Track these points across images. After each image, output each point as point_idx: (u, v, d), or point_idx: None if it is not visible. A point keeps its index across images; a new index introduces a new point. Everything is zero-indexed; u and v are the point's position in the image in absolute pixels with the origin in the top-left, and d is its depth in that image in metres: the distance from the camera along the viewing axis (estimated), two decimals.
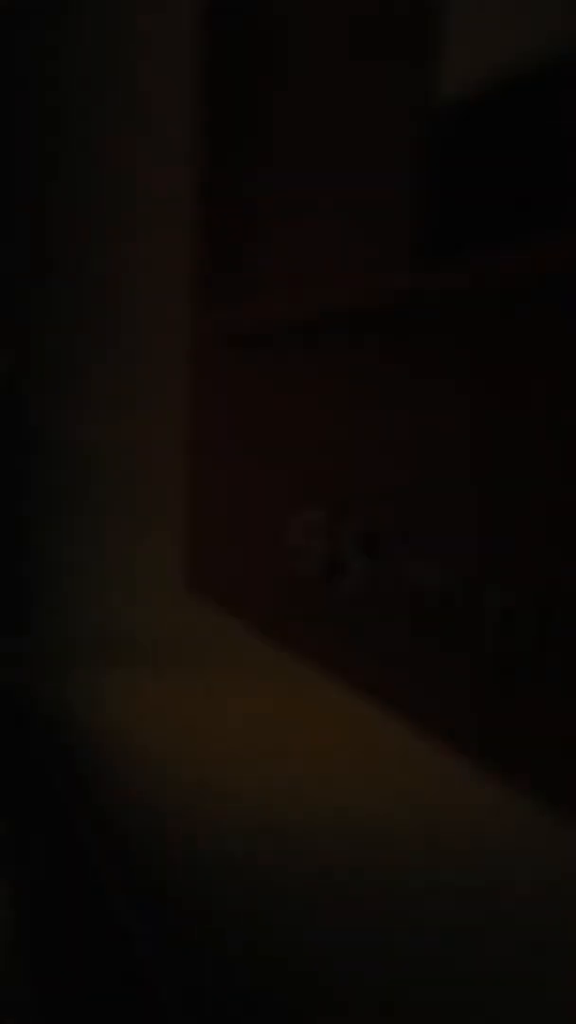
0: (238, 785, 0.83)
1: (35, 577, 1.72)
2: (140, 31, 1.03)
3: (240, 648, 0.82)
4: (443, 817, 0.54)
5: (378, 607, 0.58)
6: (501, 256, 0.43)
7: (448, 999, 0.53)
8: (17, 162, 1.71)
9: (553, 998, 0.46)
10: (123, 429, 1.16)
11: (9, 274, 1.80)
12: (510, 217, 0.48)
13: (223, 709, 0.86)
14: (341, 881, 0.65)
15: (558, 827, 0.45)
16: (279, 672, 0.74)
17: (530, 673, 0.46)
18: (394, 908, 0.59)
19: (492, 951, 0.50)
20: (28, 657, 1.78)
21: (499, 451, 0.48)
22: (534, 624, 0.45)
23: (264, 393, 0.73)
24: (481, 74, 0.51)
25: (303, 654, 0.68)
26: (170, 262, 0.97)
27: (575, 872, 0.44)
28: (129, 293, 1.11)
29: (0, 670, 1.98)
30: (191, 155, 0.89)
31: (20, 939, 1.14)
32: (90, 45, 1.24)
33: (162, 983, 1.02)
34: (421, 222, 0.54)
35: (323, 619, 0.65)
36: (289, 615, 0.70)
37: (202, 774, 0.91)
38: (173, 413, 0.98)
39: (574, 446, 0.43)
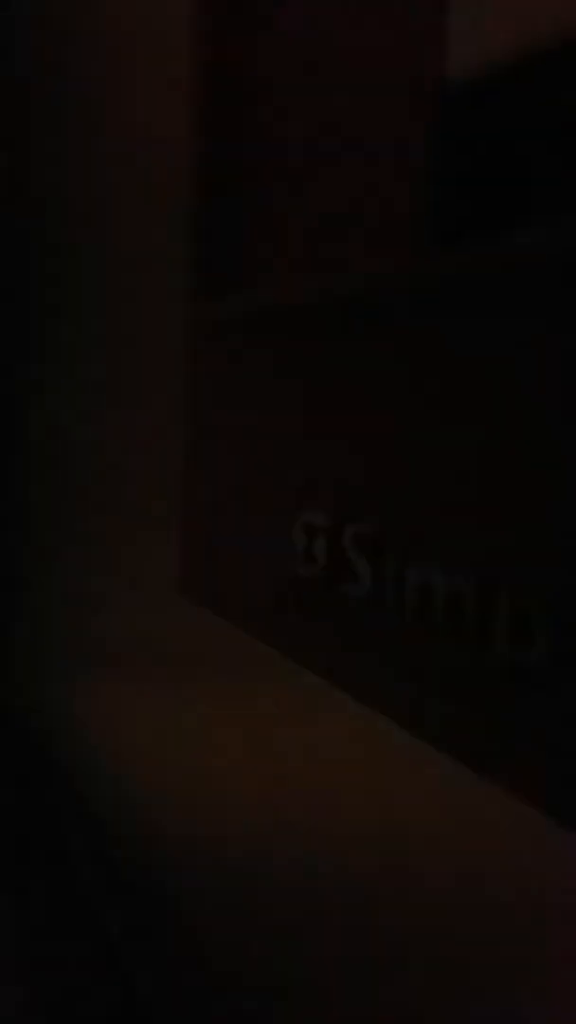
0: (236, 791, 0.82)
1: (30, 579, 1.71)
2: (137, 10, 1.03)
3: (239, 653, 0.81)
4: (447, 823, 0.53)
5: (382, 611, 0.57)
6: (508, 243, 0.42)
7: (450, 1003, 0.52)
8: (15, 156, 1.71)
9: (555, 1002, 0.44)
10: (119, 427, 1.15)
11: (6, 272, 1.79)
12: (518, 203, 0.47)
13: (221, 713, 0.85)
14: (342, 887, 0.64)
15: (566, 836, 0.44)
16: (279, 677, 0.73)
17: (539, 678, 0.45)
18: (396, 913, 0.58)
19: (494, 953, 0.49)
20: (19, 661, 1.77)
21: (506, 450, 0.46)
22: (543, 628, 0.44)
23: (263, 392, 0.73)
24: (488, 58, 0.49)
25: (304, 659, 0.67)
26: (170, 257, 0.96)
27: None
28: (128, 287, 1.11)
29: None
30: (188, 142, 0.89)
31: (16, 942, 1.14)
32: (85, 25, 1.24)
33: (158, 989, 1.01)
34: (427, 209, 0.53)
35: (325, 623, 0.64)
36: (289, 619, 0.69)
37: (199, 780, 0.91)
38: (171, 413, 0.97)
39: None
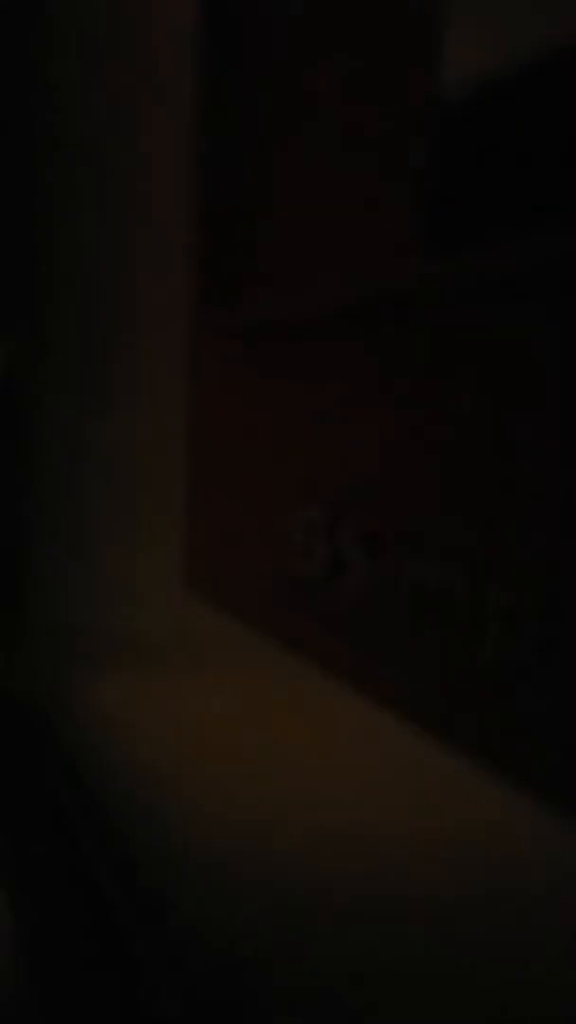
0: (239, 785, 0.83)
1: (35, 576, 1.72)
2: (141, 21, 1.03)
3: (240, 648, 0.81)
4: (444, 817, 0.54)
5: (378, 607, 0.58)
6: (504, 251, 0.43)
7: (451, 1001, 0.53)
8: (18, 156, 1.71)
9: (558, 999, 0.45)
10: (123, 426, 1.16)
11: (8, 270, 1.80)
12: (514, 212, 0.47)
13: (223, 709, 0.85)
14: (342, 881, 0.65)
15: (560, 828, 0.45)
16: (280, 672, 0.74)
17: (531, 673, 0.46)
18: (397, 909, 0.58)
19: (494, 951, 0.49)
20: (26, 657, 1.78)
21: (501, 449, 0.48)
22: (535, 624, 0.45)
23: (264, 392, 0.73)
24: (485, 68, 0.50)
25: (304, 654, 0.68)
26: (173, 259, 0.97)
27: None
28: (130, 289, 1.11)
29: None
30: (193, 147, 0.89)
31: (19, 942, 1.14)
32: (92, 30, 1.24)
33: (161, 984, 1.01)
34: (424, 217, 0.54)
35: (324, 619, 0.65)
36: (289, 615, 0.70)
37: (202, 774, 0.91)
38: (174, 411, 0.98)
39: None
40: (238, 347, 0.78)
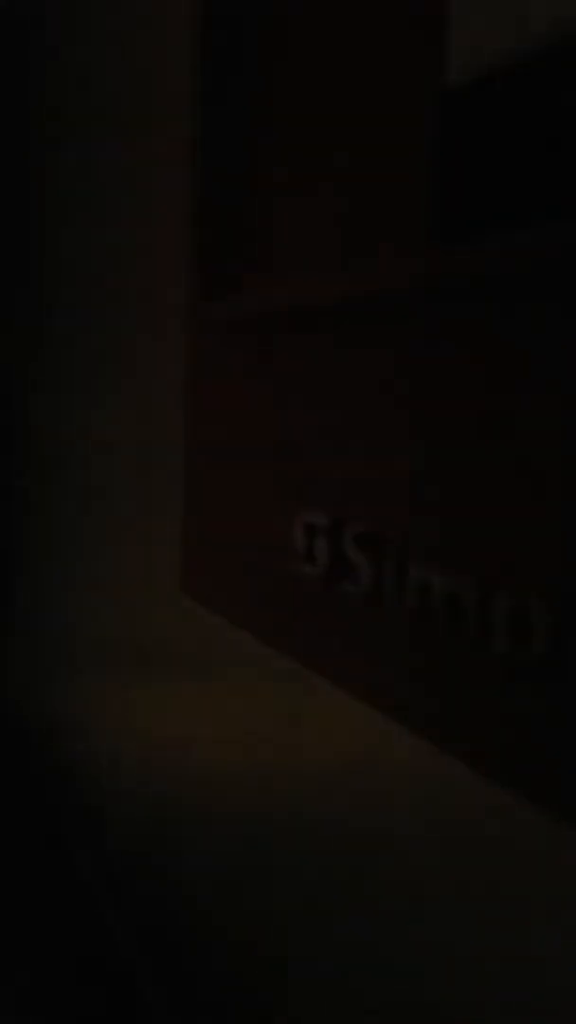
0: (236, 790, 0.82)
1: (30, 579, 1.70)
2: (141, 11, 1.02)
3: (240, 653, 0.81)
4: (446, 821, 0.53)
5: (381, 610, 0.58)
6: (511, 244, 0.42)
7: (449, 999, 0.53)
8: (12, 149, 1.70)
9: (553, 998, 0.45)
10: (119, 426, 1.15)
11: (4, 268, 1.78)
12: (524, 201, 0.47)
13: (222, 714, 0.85)
14: (341, 885, 0.65)
15: (564, 834, 0.45)
16: (279, 677, 0.73)
17: (538, 674, 0.45)
18: (396, 912, 0.58)
19: (492, 951, 0.49)
20: (21, 662, 1.76)
21: (507, 449, 0.47)
22: (541, 627, 0.45)
23: (264, 390, 0.73)
24: (493, 55, 0.50)
25: (304, 658, 0.67)
26: (171, 253, 0.96)
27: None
28: (128, 284, 1.10)
29: None
30: (191, 137, 0.89)
31: (9, 942, 1.13)
32: (88, 15, 1.23)
33: (148, 984, 1.01)
34: (431, 208, 0.53)
35: (325, 623, 0.64)
36: (290, 619, 0.69)
37: (200, 780, 0.91)
38: (171, 410, 0.97)
39: None
40: (237, 343, 0.77)
